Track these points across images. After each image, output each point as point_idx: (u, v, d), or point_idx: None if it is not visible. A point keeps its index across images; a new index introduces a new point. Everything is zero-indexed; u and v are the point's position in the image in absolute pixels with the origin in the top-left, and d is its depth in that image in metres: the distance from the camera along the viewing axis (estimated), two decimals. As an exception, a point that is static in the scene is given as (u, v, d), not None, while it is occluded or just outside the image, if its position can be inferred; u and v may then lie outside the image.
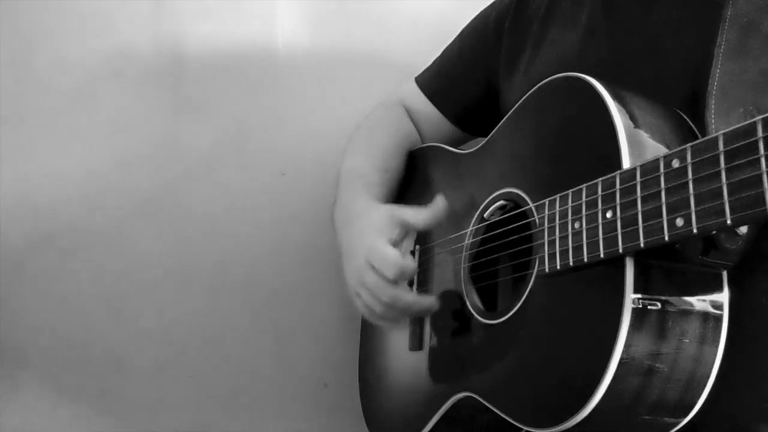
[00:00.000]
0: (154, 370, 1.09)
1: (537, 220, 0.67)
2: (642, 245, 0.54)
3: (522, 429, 0.65)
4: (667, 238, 0.53)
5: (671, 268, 0.59)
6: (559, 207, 0.64)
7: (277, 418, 1.13)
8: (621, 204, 0.57)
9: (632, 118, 0.61)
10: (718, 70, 0.63)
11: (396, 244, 0.80)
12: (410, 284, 0.90)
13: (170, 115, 1.12)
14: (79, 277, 1.07)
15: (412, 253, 0.92)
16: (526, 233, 0.70)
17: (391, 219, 0.82)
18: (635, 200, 0.56)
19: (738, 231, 0.56)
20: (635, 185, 0.56)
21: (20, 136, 1.06)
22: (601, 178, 0.59)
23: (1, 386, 1.05)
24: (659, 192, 0.54)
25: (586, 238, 0.60)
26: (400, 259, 0.75)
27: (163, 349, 1.09)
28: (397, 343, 0.91)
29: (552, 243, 0.64)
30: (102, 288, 1.07)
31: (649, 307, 0.57)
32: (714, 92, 0.62)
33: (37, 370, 1.06)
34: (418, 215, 0.79)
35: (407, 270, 0.75)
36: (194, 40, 1.12)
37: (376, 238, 0.79)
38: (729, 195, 0.48)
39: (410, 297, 0.79)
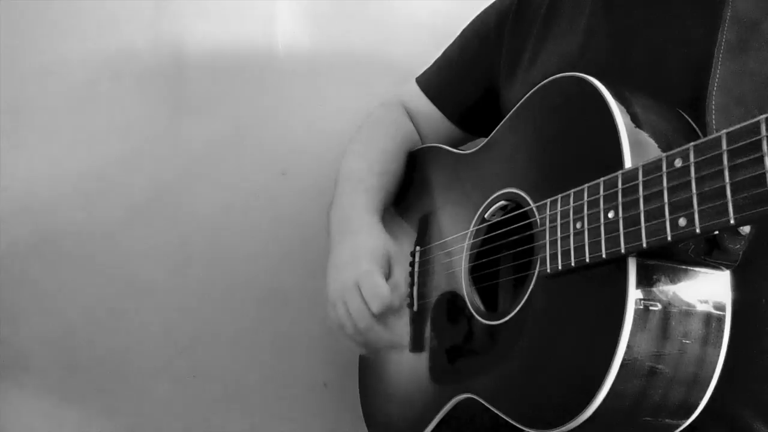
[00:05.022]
0: (154, 370, 1.09)
1: (538, 221, 0.67)
2: (644, 245, 0.54)
3: (523, 431, 0.65)
4: (669, 238, 0.52)
5: (673, 268, 0.58)
6: (561, 207, 0.64)
7: (277, 418, 1.13)
8: (623, 203, 0.57)
9: (634, 117, 0.61)
10: (718, 70, 0.63)
11: (386, 276, 0.82)
12: (410, 285, 0.90)
13: (170, 115, 1.12)
14: (79, 277, 1.07)
15: (412, 254, 0.92)
16: (528, 233, 0.70)
17: (386, 255, 0.84)
18: (637, 200, 0.55)
19: (740, 231, 0.56)
20: (637, 185, 0.55)
21: (20, 136, 1.06)
22: (603, 178, 0.59)
23: (3, 386, 1.04)
24: (662, 191, 0.53)
25: (588, 238, 0.60)
26: (389, 296, 0.77)
27: (163, 349, 1.09)
28: (398, 344, 0.91)
29: (553, 243, 0.64)
30: (102, 288, 1.07)
31: (651, 307, 0.57)
32: (715, 92, 0.62)
33: (37, 370, 1.06)
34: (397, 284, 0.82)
35: (392, 308, 0.78)
36: (194, 40, 1.12)
37: (372, 266, 0.81)
38: (732, 194, 0.48)
39: (384, 334, 0.81)
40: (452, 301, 0.81)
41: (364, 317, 0.79)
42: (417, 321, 0.88)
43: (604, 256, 0.58)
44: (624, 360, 0.55)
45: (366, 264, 0.81)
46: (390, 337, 0.82)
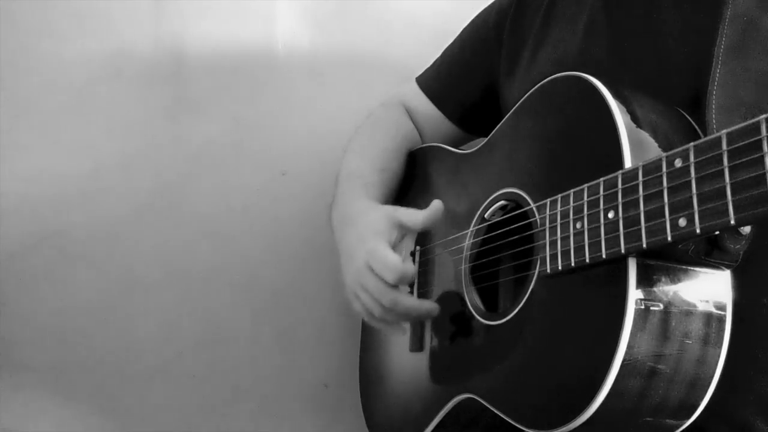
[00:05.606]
0: (154, 371, 1.09)
1: (538, 221, 0.67)
2: (644, 245, 0.54)
3: (524, 431, 0.65)
4: (669, 239, 0.52)
5: (674, 268, 0.58)
6: (561, 207, 0.64)
7: (277, 419, 1.13)
8: (623, 204, 0.56)
9: (634, 117, 0.61)
10: (718, 70, 0.63)
11: (395, 246, 0.80)
12: (411, 285, 0.90)
13: (170, 115, 1.11)
14: (79, 278, 1.07)
15: (413, 254, 0.92)
16: (528, 233, 0.70)
17: (389, 220, 0.81)
18: (637, 200, 0.55)
19: (741, 231, 0.56)
20: (637, 185, 0.55)
21: (20, 136, 1.06)
22: (602, 178, 0.59)
23: (2, 386, 1.04)
24: (662, 191, 0.53)
25: (588, 239, 0.60)
26: (400, 263, 0.75)
27: (163, 349, 1.09)
28: (398, 344, 0.91)
29: (553, 243, 0.64)
30: (102, 288, 1.07)
31: (651, 308, 0.57)
32: (715, 92, 0.62)
33: (37, 370, 1.05)
34: (414, 216, 0.79)
35: (407, 274, 0.75)
36: (194, 40, 1.12)
37: (376, 241, 0.79)
38: (732, 194, 0.48)
39: (410, 301, 0.79)
40: (452, 301, 0.81)
41: (385, 293, 0.77)
42: (417, 321, 0.87)
43: (604, 256, 0.58)
44: (624, 360, 0.55)
45: (370, 242, 0.79)
46: (419, 304, 0.80)
